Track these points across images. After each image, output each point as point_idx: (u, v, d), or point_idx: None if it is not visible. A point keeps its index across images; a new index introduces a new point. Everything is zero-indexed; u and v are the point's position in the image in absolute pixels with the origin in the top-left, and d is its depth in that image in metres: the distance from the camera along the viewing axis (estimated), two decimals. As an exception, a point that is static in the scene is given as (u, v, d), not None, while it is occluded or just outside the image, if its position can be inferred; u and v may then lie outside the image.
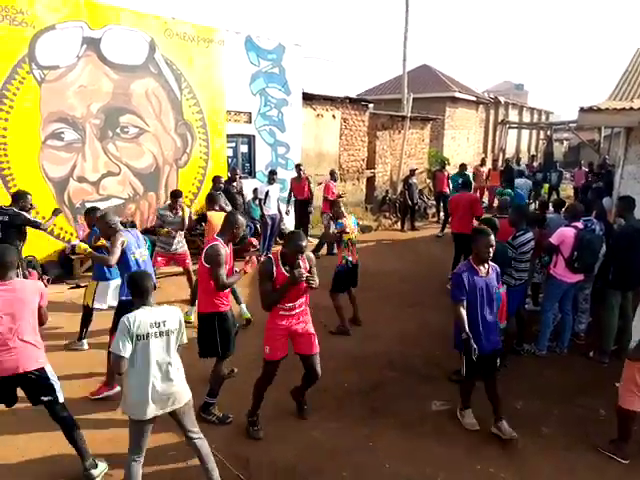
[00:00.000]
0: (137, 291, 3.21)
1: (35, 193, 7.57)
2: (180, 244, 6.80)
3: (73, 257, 7.85)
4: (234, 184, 9.46)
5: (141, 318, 3.05)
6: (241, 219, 4.23)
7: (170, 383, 3.13)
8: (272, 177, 9.68)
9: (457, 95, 21.05)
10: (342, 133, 13.63)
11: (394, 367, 5.30)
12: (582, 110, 6.78)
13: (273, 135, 11.23)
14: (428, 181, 17.46)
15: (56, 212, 6.59)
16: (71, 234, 8.10)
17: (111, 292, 5.35)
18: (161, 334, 3.11)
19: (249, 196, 10.05)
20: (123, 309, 4.61)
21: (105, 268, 5.14)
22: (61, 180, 7.95)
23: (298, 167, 10.51)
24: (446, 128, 20.74)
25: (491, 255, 3.99)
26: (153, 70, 8.81)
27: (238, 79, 10.19)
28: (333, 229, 6.36)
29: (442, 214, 14.34)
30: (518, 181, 13.03)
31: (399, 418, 4.33)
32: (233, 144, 10.65)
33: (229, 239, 4.19)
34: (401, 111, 16.51)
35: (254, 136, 10.90)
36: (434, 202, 15.08)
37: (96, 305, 5.34)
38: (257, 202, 9.71)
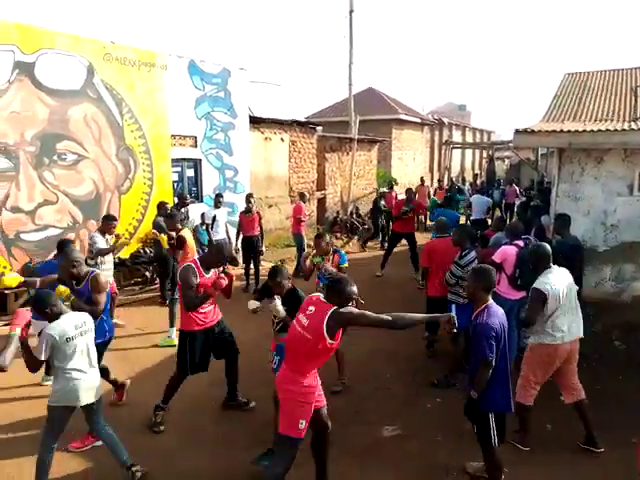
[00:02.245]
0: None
1: (-38, 225, 7.14)
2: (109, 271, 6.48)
3: (7, 292, 7.40)
4: (182, 210, 9.23)
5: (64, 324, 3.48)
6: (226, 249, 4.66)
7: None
8: (218, 200, 9.52)
9: (402, 117, 21.67)
10: (291, 156, 13.68)
11: (345, 392, 5.21)
12: (517, 132, 7.08)
13: (220, 159, 11.11)
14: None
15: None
16: (5, 267, 7.62)
17: None
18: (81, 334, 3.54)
19: (197, 221, 9.83)
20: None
21: None
22: (-8, 211, 7.50)
23: (248, 199, 9.49)
24: (393, 149, 21.26)
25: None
26: (92, 95, 8.55)
27: (182, 103, 10.05)
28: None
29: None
30: (476, 198, 12.91)
31: (351, 445, 4.24)
32: (179, 168, 10.45)
33: (208, 266, 4.46)
34: (349, 133, 16.79)
35: (200, 160, 10.74)
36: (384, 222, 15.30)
37: None
38: (204, 227, 9.51)
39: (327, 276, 5.61)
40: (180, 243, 6.78)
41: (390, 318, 3.18)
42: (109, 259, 6.57)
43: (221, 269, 4.61)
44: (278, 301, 3.94)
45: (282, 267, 4.25)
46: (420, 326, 6.49)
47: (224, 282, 4.44)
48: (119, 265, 8.96)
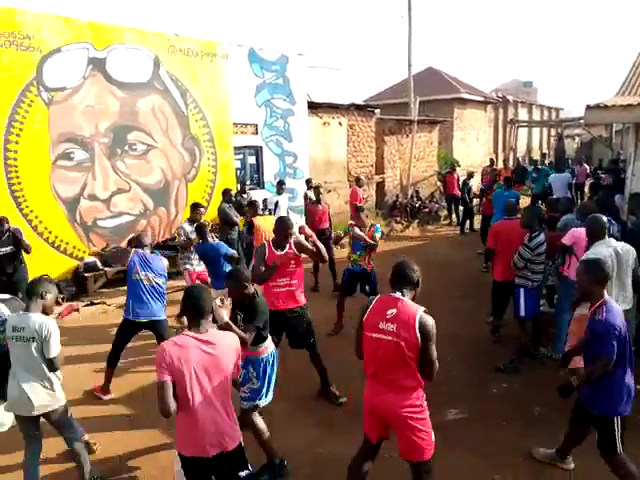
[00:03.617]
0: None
1: (47, 212, 7.74)
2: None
3: (87, 275, 7.95)
4: (244, 196, 9.51)
5: (9, 321, 3.36)
6: (290, 221, 4.65)
7: (26, 390, 3.24)
8: (281, 187, 9.70)
9: (464, 96, 20.94)
10: (349, 140, 13.63)
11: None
12: (588, 108, 6.69)
13: (280, 145, 11.27)
14: (439, 184, 17.38)
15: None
16: (84, 252, 8.19)
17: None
18: (19, 339, 3.26)
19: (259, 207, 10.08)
20: (128, 327, 4.79)
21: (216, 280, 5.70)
22: (72, 199, 8.06)
23: (317, 190, 8.78)
24: (455, 130, 20.62)
25: None
26: (158, 87, 8.91)
27: (243, 91, 10.26)
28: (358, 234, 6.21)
29: (454, 216, 14.28)
30: (554, 177, 12.28)
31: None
32: (241, 156, 10.72)
33: (281, 242, 4.49)
34: (408, 115, 16.47)
35: (261, 147, 10.96)
36: (445, 205, 15.03)
37: None
38: (267, 212, 9.73)
39: (361, 243, 6.08)
40: (249, 228, 7.30)
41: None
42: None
43: (302, 238, 4.71)
44: (218, 302, 3.51)
45: (240, 271, 3.72)
46: (483, 309, 6.41)
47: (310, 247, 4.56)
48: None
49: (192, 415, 2.59)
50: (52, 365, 3.29)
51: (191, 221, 6.61)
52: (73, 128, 7.92)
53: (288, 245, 4.52)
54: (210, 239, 5.93)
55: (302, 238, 4.74)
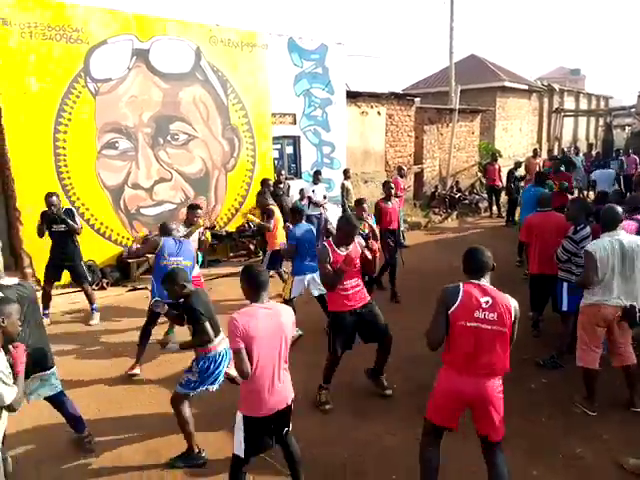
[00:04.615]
0: None
1: (93, 201, 8.02)
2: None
3: (130, 261, 8.21)
4: (280, 186, 9.58)
5: None
6: (356, 221, 4.49)
7: None
8: (317, 177, 9.74)
9: (507, 84, 20.32)
10: (388, 129, 13.49)
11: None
12: (642, 94, 6.35)
13: (318, 135, 11.26)
14: (479, 174, 16.99)
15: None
16: (127, 239, 8.45)
17: (305, 284, 5.93)
18: None
19: (295, 197, 10.14)
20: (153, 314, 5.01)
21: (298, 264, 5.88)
22: (117, 187, 8.32)
23: (388, 185, 7.62)
24: (497, 119, 20.07)
25: None
26: (200, 77, 9.04)
27: (282, 81, 10.28)
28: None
29: (495, 208, 13.96)
30: (598, 173, 12.19)
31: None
32: (279, 146, 10.77)
33: (343, 242, 4.34)
34: (449, 104, 16.14)
35: (299, 137, 10.98)
36: (486, 196, 14.70)
37: (293, 294, 5.89)
38: (304, 202, 9.79)
39: (363, 235, 5.93)
40: (268, 216, 7.40)
41: None
42: None
43: (363, 243, 4.58)
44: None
45: (177, 272, 3.90)
46: (523, 304, 6.24)
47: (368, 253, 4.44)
48: (226, 238, 9.57)
49: (258, 378, 2.90)
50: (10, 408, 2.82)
51: (187, 224, 6.05)
52: (118, 118, 8.15)
53: (353, 245, 4.37)
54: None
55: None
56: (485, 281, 3.04)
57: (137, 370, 5.11)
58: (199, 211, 6.14)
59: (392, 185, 7.67)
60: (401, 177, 10.89)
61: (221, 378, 3.81)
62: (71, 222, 6.21)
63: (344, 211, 10.69)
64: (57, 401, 3.79)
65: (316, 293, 5.87)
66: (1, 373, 2.72)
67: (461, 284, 3.02)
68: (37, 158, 7.39)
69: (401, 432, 4.08)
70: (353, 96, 12.24)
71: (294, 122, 10.81)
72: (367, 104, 12.80)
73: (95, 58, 7.79)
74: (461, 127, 16.52)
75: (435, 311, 3.05)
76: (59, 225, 6.20)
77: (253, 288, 3.00)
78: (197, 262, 6.12)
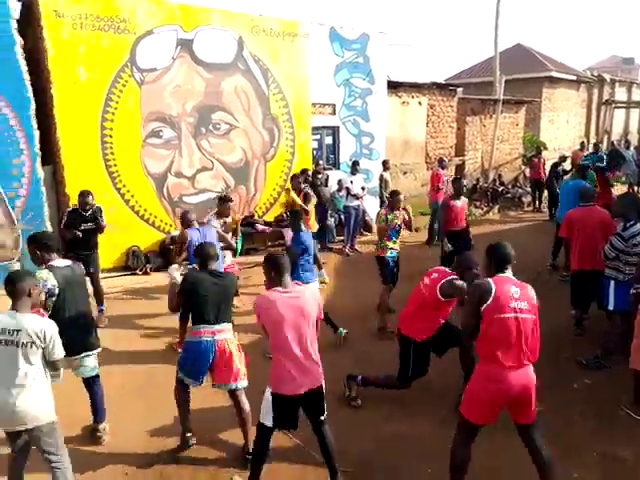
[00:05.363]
0: (9, 291, 3.03)
1: (138, 188, 8.25)
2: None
3: (172, 247, 8.41)
4: (319, 176, 9.59)
5: None
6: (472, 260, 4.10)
7: (11, 400, 2.86)
8: (355, 168, 9.69)
9: (555, 75, 19.59)
10: (429, 120, 13.27)
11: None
12: None
13: (357, 126, 11.19)
14: (523, 167, 16.52)
15: None
16: (170, 225, 8.66)
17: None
18: (6, 343, 2.88)
19: (333, 187, 10.14)
20: None
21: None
22: (160, 175, 8.52)
23: (459, 182, 7.16)
24: (543, 110, 19.39)
25: None
26: (242, 67, 9.12)
27: (322, 71, 10.25)
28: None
29: (538, 202, 13.55)
30: None
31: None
32: (318, 136, 10.76)
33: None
34: (493, 94, 15.73)
35: (338, 127, 10.93)
36: (529, 190, 14.27)
37: None
38: (341, 193, 9.78)
39: (396, 228, 5.89)
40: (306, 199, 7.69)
41: None
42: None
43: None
44: (175, 266, 4.00)
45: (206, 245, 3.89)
46: (565, 301, 6.06)
47: None
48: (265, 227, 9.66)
49: (286, 358, 3.07)
50: (55, 366, 3.07)
51: (219, 215, 6.07)
52: (162, 107, 8.33)
53: None
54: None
55: None
56: (509, 273, 3.15)
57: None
58: (230, 204, 6.18)
59: (464, 183, 7.00)
60: (442, 169, 10.70)
61: (201, 377, 3.65)
62: (100, 220, 6.07)
63: (382, 202, 10.63)
64: (91, 384, 3.88)
65: None
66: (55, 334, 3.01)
67: (490, 279, 3.10)
68: (85, 146, 7.65)
69: (434, 427, 4.05)
70: (394, 86, 12.08)
71: (333, 112, 10.77)
72: (408, 94, 12.61)
73: (141, 48, 7.97)
74: (505, 118, 16.08)
75: (468, 307, 3.16)
76: (88, 223, 6.03)
77: (275, 272, 3.17)
78: (235, 251, 6.25)
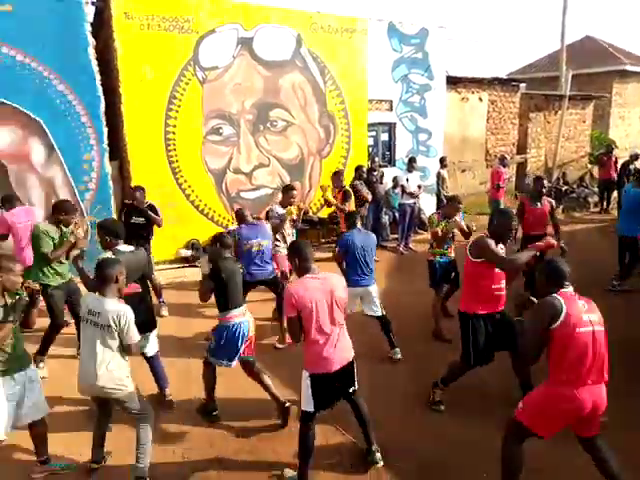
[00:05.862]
0: (98, 276, 3.32)
1: (198, 184, 8.51)
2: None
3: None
4: (374, 173, 9.52)
5: (87, 301, 3.32)
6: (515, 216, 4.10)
7: (92, 375, 3.20)
8: (411, 165, 9.53)
9: (628, 68, 18.48)
10: (489, 116, 12.87)
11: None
12: None
13: (414, 122, 11.01)
14: (590, 166, 15.69)
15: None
16: (228, 220, 8.86)
17: (357, 300, 5.20)
18: (93, 324, 3.21)
19: (389, 185, 10.03)
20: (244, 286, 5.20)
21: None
22: (219, 172, 8.74)
23: (539, 182, 6.39)
24: (613, 106, 18.36)
25: None
26: (299, 64, 9.19)
27: (380, 67, 10.15)
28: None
29: (605, 203, 12.83)
30: None
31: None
32: (374, 133, 10.68)
33: (496, 238, 4.00)
34: (558, 90, 15.03)
35: (395, 124, 10.80)
36: (596, 190, 13.53)
37: None
38: (397, 190, 9.65)
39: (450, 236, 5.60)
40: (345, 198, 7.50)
41: None
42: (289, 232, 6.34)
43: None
44: (205, 257, 4.07)
45: (223, 236, 4.19)
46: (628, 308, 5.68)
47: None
48: (318, 223, 9.71)
49: (318, 339, 3.23)
50: (129, 350, 3.33)
51: (283, 205, 6.21)
52: (222, 105, 8.54)
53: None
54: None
55: None
56: (570, 288, 3.03)
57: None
58: (294, 192, 6.29)
59: (544, 184, 6.30)
60: (503, 167, 10.37)
61: (236, 355, 3.97)
62: (154, 215, 6.29)
63: (439, 201, 10.41)
64: (152, 359, 4.23)
65: (370, 313, 5.17)
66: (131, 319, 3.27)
67: (556, 295, 2.96)
68: (150, 142, 7.97)
69: (491, 431, 3.90)
70: (453, 81, 11.80)
71: (390, 108, 10.65)
72: (468, 90, 12.29)
73: (203, 47, 8.20)
74: (571, 115, 15.33)
75: (534, 325, 2.98)
76: (139, 217, 6.29)
77: (302, 259, 3.32)
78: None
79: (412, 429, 4.03)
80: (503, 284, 4.05)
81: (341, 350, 3.33)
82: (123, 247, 4.03)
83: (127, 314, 3.24)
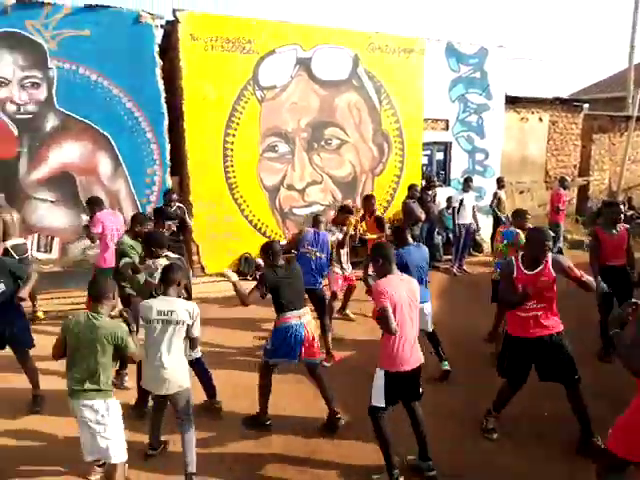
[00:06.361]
0: (165, 279, 3.58)
1: (253, 199, 8.70)
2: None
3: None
4: (429, 192, 9.39)
5: (152, 304, 3.49)
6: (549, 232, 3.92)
7: (164, 372, 3.43)
8: (467, 185, 9.34)
9: None
10: (550, 137, 12.46)
11: (604, 395, 4.53)
12: None
13: (471, 142, 10.82)
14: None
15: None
16: (280, 236, 8.98)
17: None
18: (165, 322, 3.42)
19: (442, 204, 9.87)
20: None
21: None
22: (274, 188, 8.90)
23: (614, 208, 5.72)
24: (685, 128, 17.31)
25: None
26: (355, 83, 9.28)
27: (437, 86, 10.08)
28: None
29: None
30: None
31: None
32: (428, 152, 10.58)
33: (533, 259, 3.80)
34: (624, 110, 14.38)
35: (450, 143, 10.66)
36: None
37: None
38: (450, 211, 9.47)
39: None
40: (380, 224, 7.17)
41: None
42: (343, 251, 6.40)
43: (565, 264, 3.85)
44: (228, 271, 4.21)
45: (273, 242, 4.33)
46: None
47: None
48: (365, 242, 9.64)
49: (401, 337, 3.36)
50: (195, 343, 3.67)
51: (335, 224, 6.34)
52: (279, 123, 8.73)
53: (544, 263, 3.77)
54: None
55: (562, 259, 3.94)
56: None
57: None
58: (351, 216, 6.36)
59: (623, 210, 5.84)
60: (564, 189, 9.98)
61: (296, 354, 4.07)
62: (187, 219, 6.55)
63: (495, 222, 10.14)
64: (198, 365, 4.32)
65: (425, 328, 4.89)
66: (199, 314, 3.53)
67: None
68: (209, 158, 8.24)
69: (538, 464, 3.70)
70: (512, 101, 11.54)
71: (446, 128, 10.53)
72: (527, 110, 11.97)
73: (263, 67, 8.44)
74: (638, 137, 14.60)
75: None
76: (173, 221, 6.55)
77: (385, 262, 3.48)
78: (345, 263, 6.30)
79: (462, 455, 3.88)
80: (533, 305, 3.76)
81: (417, 350, 3.51)
82: (170, 255, 4.33)
83: (196, 308, 3.54)
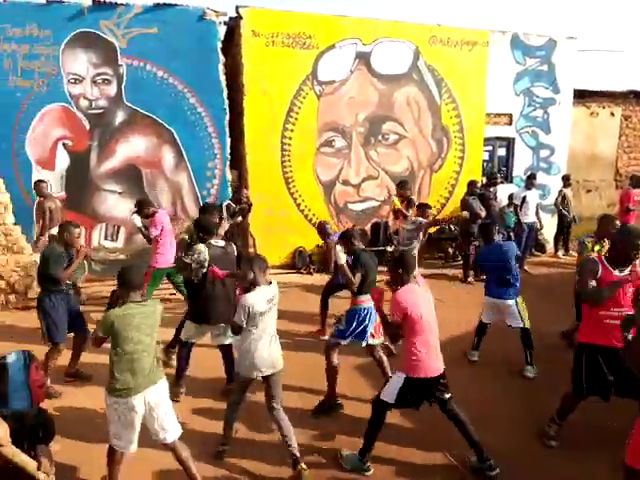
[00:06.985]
0: (256, 268, 3.63)
1: (308, 193, 8.75)
2: None
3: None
4: (491, 189, 9.09)
5: (261, 293, 3.53)
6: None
7: (272, 350, 3.56)
8: (531, 182, 8.95)
9: None
10: (622, 133, 11.76)
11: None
12: None
13: (536, 137, 10.37)
14: None
15: None
16: (334, 231, 8.98)
17: (495, 311, 5.21)
18: (271, 308, 3.56)
19: (504, 202, 9.52)
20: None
21: None
22: (329, 183, 8.93)
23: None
24: None
25: None
26: (415, 77, 9.12)
27: (500, 80, 9.73)
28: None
29: None
30: None
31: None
32: (490, 147, 10.24)
33: (621, 260, 3.52)
34: None
35: (513, 139, 10.26)
36: None
37: (484, 319, 5.27)
38: (512, 208, 9.12)
39: None
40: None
41: None
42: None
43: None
44: (339, 247, 4.32)
45: (354, 232, 4.44)
46: None
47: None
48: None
49: (422, 343, 3.37)
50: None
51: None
52: (336, 118, 8.72)
53: (631, 266, 3.50)
54: None
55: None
56: None
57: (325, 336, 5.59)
58: (429, 210, 6.71)
59: None
60: (634, 188, 9.37)
61: (367, 335, 4.24)
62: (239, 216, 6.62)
63: (561, 220, 9.72)
64: (226, 349, 4.47)
65: (514, 324, 4.97)
66: None
67: None
68: (267, 152, 8.37)
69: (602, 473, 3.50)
70: (581, 95, 10.96)
71: (510, 123, 10.15)
72: (598, 104, 11.35)
73: (322, 62, 8.46)
74: None
75: None
76: (236, 218, 6.56)
77: (404, 270, 3.49)
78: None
79: (520, 460, 3.74)
80: (618, 312, 3.47)
81: (437, 359, 3.48)
82: (216, 241, 4.48)
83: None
